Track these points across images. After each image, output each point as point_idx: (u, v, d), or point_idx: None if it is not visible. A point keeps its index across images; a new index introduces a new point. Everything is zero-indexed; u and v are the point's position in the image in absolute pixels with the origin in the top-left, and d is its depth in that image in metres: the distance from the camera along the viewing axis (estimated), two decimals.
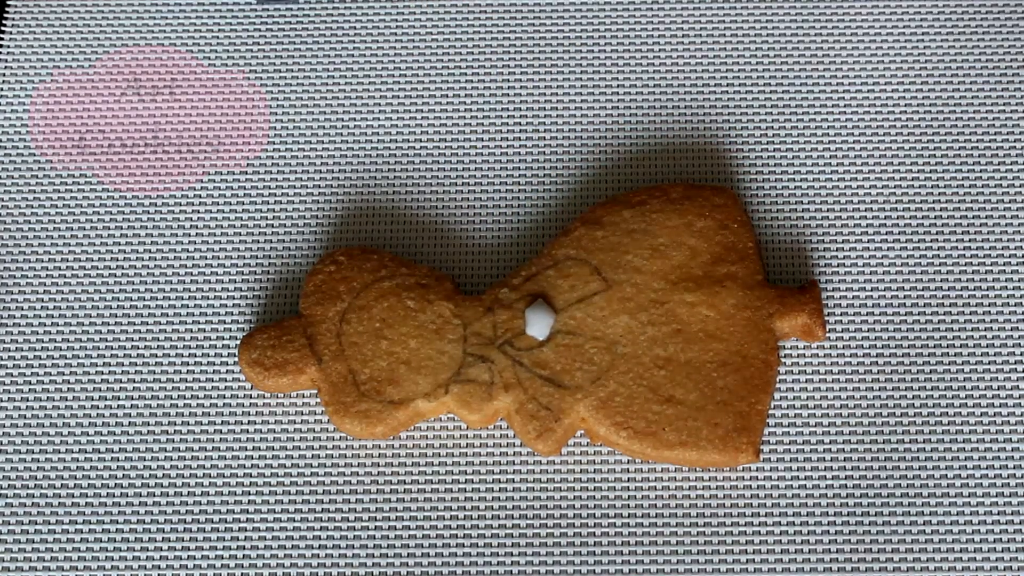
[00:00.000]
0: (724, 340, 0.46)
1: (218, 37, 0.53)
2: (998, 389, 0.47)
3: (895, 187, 0.50)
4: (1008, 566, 0.44)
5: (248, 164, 0.51)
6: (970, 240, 0.49)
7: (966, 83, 0.51)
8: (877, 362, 0.47)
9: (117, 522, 0.45)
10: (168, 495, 0.46)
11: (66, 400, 0.47)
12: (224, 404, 0.47)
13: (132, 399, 0.47)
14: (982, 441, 0.46)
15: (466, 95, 0.52)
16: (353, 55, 0.52)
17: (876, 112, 0.51)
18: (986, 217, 0.49)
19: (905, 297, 0.48)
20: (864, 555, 0.45)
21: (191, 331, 0.48)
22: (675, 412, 0.45)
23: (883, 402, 0.46)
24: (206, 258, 0.49)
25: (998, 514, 0.45)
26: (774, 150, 0.50)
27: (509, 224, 0.49)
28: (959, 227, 0.49)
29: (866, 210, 0.49)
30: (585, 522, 0.45)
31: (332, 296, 0.47)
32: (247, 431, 0.47)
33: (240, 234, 0.49)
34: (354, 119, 0.51)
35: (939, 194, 0.49)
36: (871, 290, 0.48)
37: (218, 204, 0.50)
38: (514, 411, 0.45)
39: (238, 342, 0.48)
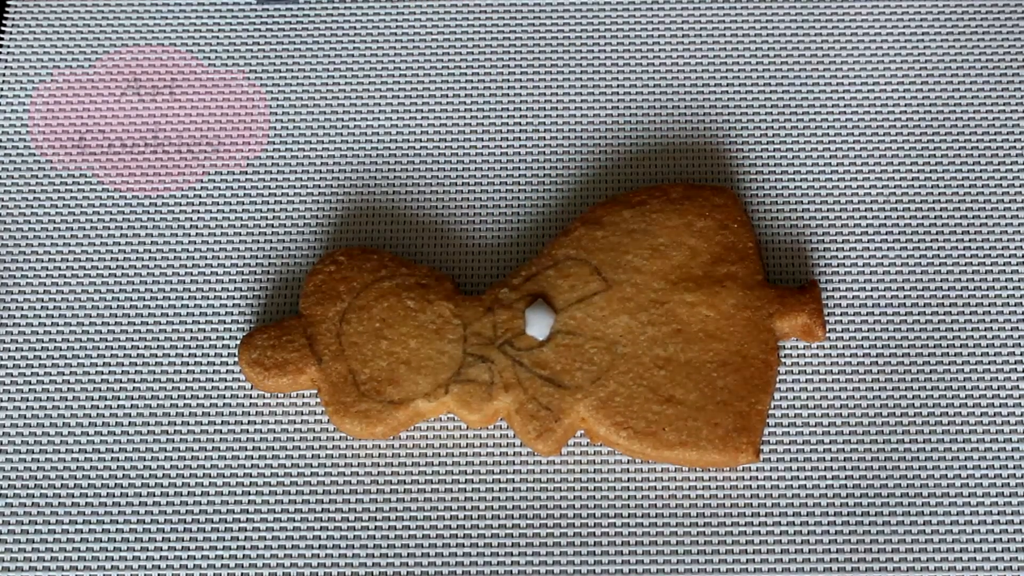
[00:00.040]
0: (724, 340, 0.46)
1: (218, 37, 0.53)
2: (998, 389, 0.47)
3: (895, 187, 0.50)
4: (1008, 566, 0.44)
5: (248, 164, 0.50)
6: (970, 240, 0.49)
7: (966, 83, 0.51)
8: (877, 362, 0.47)
9: (117, 522, 0.45)
10: (168, 495, 0.46)
11: (66, 400, 0.47)
12: (224, 404, 0.47)
13: (132, 399, 0.47)
14: (982, 441, 0.46)
15: (466, 95, 0.52)
16: (353, 55, 0.52)
17: (876, 112, 0.51)
18: (986, 217, 0.49)
19: (905, 297, 0.48)
20: (864, 555, 0.45)
21: (191, 331, 0.48)
22: (675, 412, 0.45)
23: (883, 402, 0.46)
24: (206, 258, 0.49)
25: (998, 514, 0.45)
26: (774, 150, 0.50)
27: (509, 224, 0.49)
28: (959, 227, 0.49)
29: (866, 210, 0.49)
30: (585, 522, 0.45)
31: (332, 296, 0.47)
32: (247, 431, 0.47)
33: (240, 234, 0.49)
34: (354, 119, 0.51)
35: (939, 194, 0.49)
36: (871, 290, 0.48)
37: (218, 204, 0.50)
38: (514, 411, 0.45)
39: (238, 342, 0.48)
